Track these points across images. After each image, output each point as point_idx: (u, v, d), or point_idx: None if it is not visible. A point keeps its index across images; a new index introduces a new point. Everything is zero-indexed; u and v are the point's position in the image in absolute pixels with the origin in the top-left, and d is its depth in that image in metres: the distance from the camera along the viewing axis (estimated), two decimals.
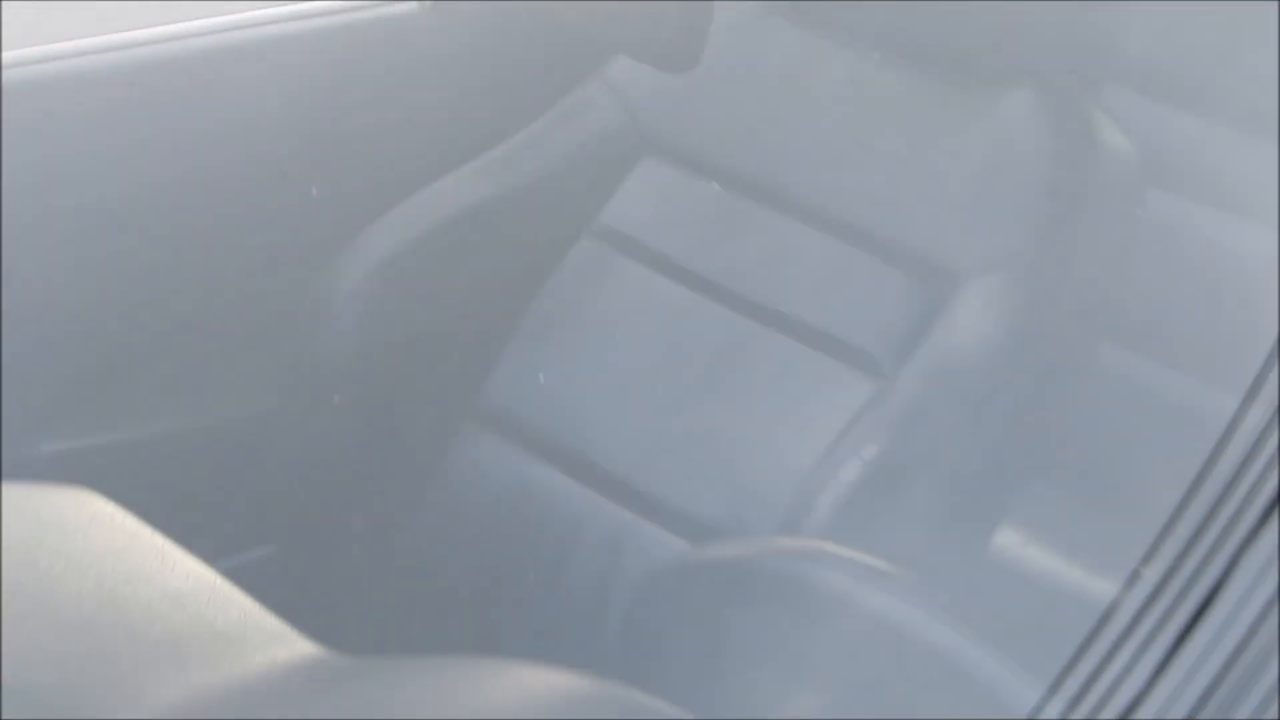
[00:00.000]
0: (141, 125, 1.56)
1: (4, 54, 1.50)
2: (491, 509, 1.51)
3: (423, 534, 1.54)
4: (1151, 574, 0.75)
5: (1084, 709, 0.75)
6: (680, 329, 1.51)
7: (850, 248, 1.47)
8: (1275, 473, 0.74)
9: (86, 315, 1.54)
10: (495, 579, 1.50)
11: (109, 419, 1.55)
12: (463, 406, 1.55)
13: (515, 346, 1.55)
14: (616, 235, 1.56)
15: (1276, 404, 0.76)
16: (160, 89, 1.57)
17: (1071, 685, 0.76)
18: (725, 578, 1.13)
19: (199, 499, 1.55)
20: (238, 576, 0.93)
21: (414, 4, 1.65)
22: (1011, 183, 1.44)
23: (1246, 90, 1.49)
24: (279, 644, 0.85)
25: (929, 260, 1.44)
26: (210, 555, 0.97)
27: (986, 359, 1.41)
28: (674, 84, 1.58)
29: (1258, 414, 0.77)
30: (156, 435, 1.57)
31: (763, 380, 1.46)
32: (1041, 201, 1.44)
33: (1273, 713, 0.72)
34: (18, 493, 0.99)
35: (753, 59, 1.58)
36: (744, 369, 1.47)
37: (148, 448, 1.56)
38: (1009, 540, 1.52)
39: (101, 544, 0.91)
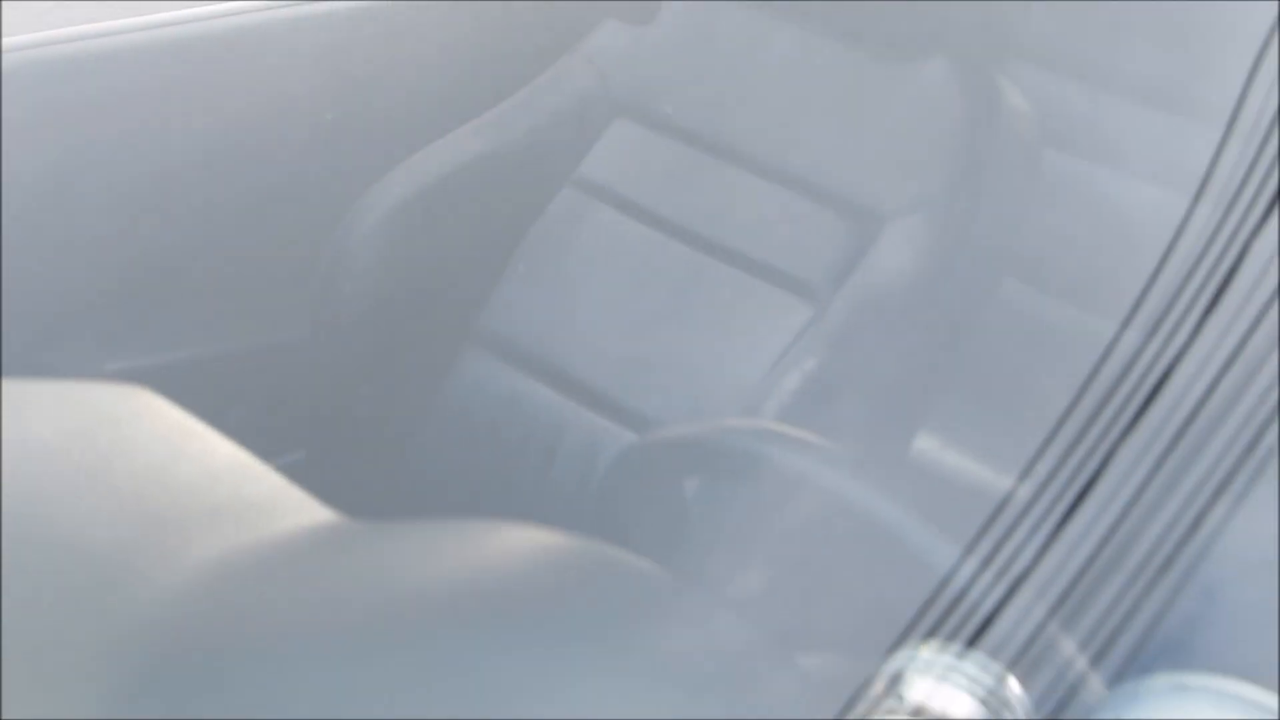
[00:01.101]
0: (196, 92, 1.56)
1: (80, 27, 1.50)
2: (488, 417, 1.50)
3: (430, 439, 1.54)
4: (1043, 468, 0.76)
5: (991, 571, 0.76)
6: (647, 263, 1.50)
7: (792, 193, 1.47)
8: (1146, 385, 0.75)
9: (146, 255, 1.54)
10: (490, 475, 1.49)
11: (162, 343, 1.55)
12: (463, 331, 1.54)
13: (507, 280, 1.55)
14: (592, 184, 1.55)
15: (1148, 329, 0.76)
16: (206, 62, 1.57)
17: (981, 551, 0.76)
18: (684, 452, 1.13)
19: (238, 411, 1.55)
20: None
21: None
22: (929, 138, 1.44)
23: (1126, 65, 1.49)
24: (302, 512, 0.85)
25: (859, 203, 1.44)
26: None
27: (907, 288, 1.41)
28: (641, 56, 1.57)
29: (1131, 338, 0.77)
30: (203, 357, 1.56)
31: (718, 306, 1.46)
32: (954, 155, 1.44)
33: (1144, 579, 0.73)
34: (82, 390, 0.98)
35: (708, 35, 1.57)
36: (702, 297, 1.47)
37: (195, 367, 1.56)
38: (927, 444, 1.52)
39: (151, 431, 0.91)
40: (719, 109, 1.53)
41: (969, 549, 0.78)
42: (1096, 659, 0.72)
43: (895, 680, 0.66)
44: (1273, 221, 0.78)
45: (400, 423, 1.56)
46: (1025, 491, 0.76)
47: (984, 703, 0.65)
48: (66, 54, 1.51)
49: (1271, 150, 0.79)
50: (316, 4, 1.62)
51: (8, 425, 0.87)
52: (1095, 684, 0.72)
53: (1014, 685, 0.67)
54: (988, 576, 0.75)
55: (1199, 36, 1.38)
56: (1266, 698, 0.64)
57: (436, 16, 1.67)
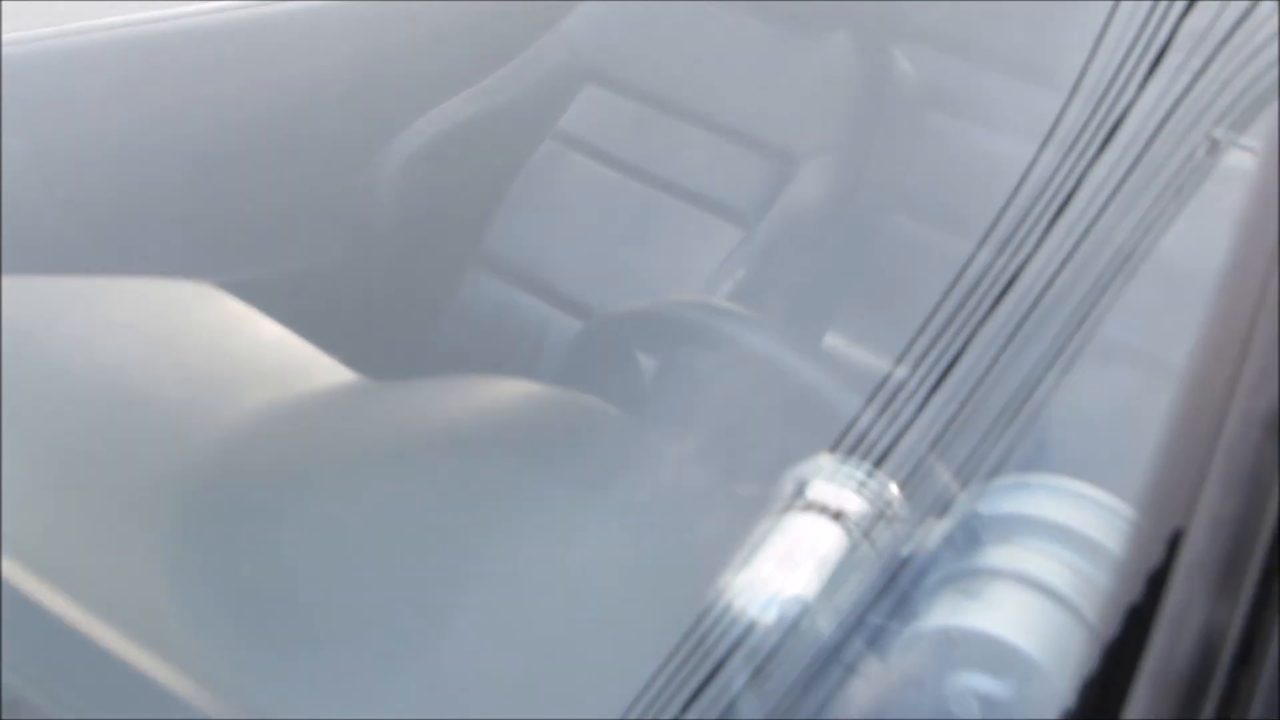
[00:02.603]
0: (255, 69, 1.53)
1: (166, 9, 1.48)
2: (488, 322, 1.50)
3: (441, 338, 1.53)
4: (915, 350, 0.76)
5: (884, 420, 0.76)
6: (612, 198, 1.49)
7: (725, 140, 1.46)
8: (997, 287, 0.75)
9: (209, 206, 1.52)
10: (489, 365, 1.49)
11: (228, 264, 1.53)
12: (467, 254, 1.54)
13: (501, 213, 1.53)
14: (568, 137, 1.54)
15: (997, 248, 0.76)
16: (258, 43, 1.54)
17: (875, 404, 0.77)
18: (636, 323, 1.12)
19: (288, 321, 1.54)
20: None
21: None
22: (834, 97, 1.43)
23: (998, 42, 1.48)
24: (334, 374, 0.84)
25: (779, 148, 1.43)
26: None
27: (817, 215, 1.41)
28: (606, 34, 1.55)
29: (985, 254, 0.77)
30: (261, 276, 1.54)
31: (668, 230, 1.45)
32: (854, 110, 1.43)
33: (996, 430, 0.73)
34: (158, 285, 0.97)
35: (660, 18, 1.56)
36: (656, 223, 1.46)
37: (255, 284, 1.53)
38: (834, 342, 1.52)
39: (212, 313, 0.90)
40: (668, 75, 1.51)
41: (869, 401, 0.78)
42: (962, 484, 0.73)
43: (801, 482, 0.66)
44: (1098, 164, 0.78)
45: (418, 325, 1.55)
46: (901, 371, 0.76)
47: (869, 502, 0.65)
48: (157, 31, 1.49)
49: (1103, 110, 0.79)
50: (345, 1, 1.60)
51: (100, 311, 0.86)
52: (961, 499, 0.72)
53: (894, 489, 0.67)
54: (884, 421, 0.75)
55: (1052, 22, 1.37)
56: (1090, 490, 0.64)
57: (439, 9, 1.65)
